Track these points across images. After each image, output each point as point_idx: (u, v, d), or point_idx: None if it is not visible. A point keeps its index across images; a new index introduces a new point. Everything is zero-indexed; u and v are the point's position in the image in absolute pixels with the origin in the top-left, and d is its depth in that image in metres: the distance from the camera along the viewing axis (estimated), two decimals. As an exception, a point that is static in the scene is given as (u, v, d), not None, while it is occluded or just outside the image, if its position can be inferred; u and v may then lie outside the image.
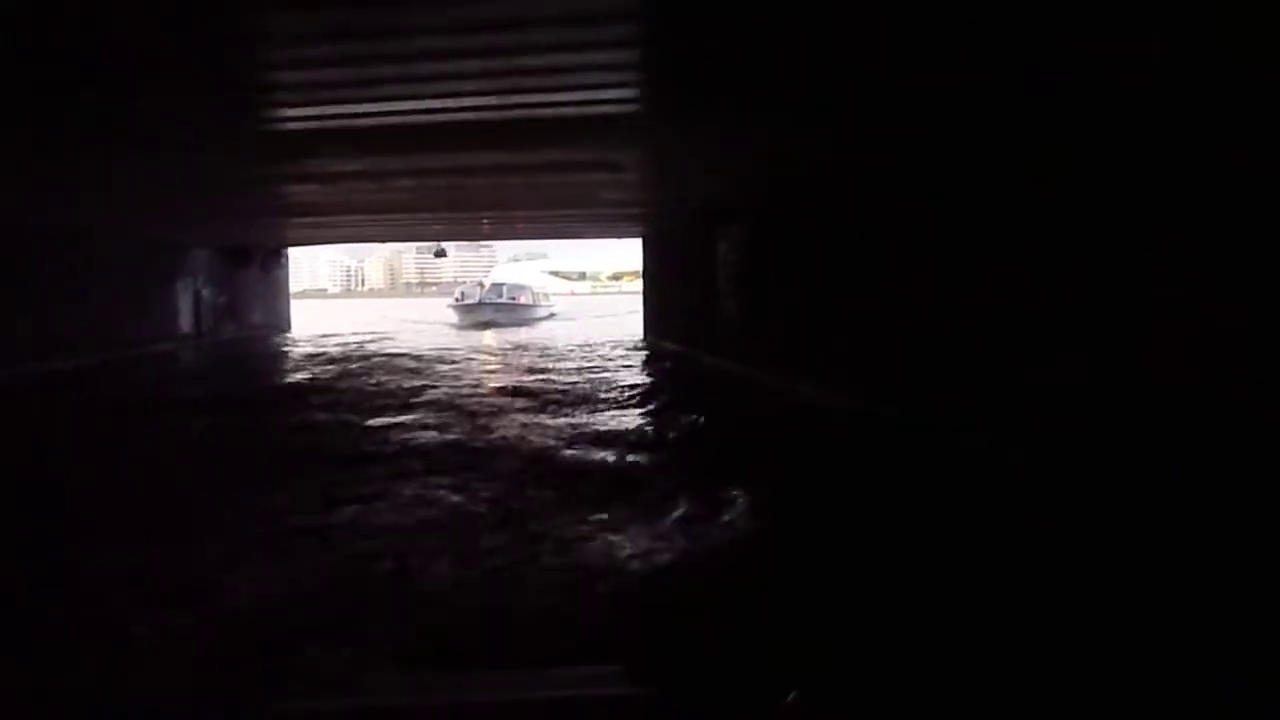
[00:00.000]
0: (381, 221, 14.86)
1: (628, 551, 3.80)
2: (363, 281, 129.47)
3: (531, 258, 62.06)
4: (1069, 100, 4.43)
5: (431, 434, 6.80)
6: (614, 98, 5.79)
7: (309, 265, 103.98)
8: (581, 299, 53.27)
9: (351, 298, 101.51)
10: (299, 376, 11.93)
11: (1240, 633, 2.62)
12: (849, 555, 3.69)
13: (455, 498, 4.78)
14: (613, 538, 3.99)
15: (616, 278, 66.05)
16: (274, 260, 20.66)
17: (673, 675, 2.29)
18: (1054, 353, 4.60)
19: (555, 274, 65.76)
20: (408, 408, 8.31)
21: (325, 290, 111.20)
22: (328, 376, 11.64)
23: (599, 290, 68.19)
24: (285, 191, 10.80)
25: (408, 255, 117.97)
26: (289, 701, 1.80)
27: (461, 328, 25.15)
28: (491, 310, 26.65)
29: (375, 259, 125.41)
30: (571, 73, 5.17)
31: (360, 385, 10.52)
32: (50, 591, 3.25)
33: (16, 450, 6.35)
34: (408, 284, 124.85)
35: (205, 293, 16.88)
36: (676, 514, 4.33)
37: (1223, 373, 3.49)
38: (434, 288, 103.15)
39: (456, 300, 28.93)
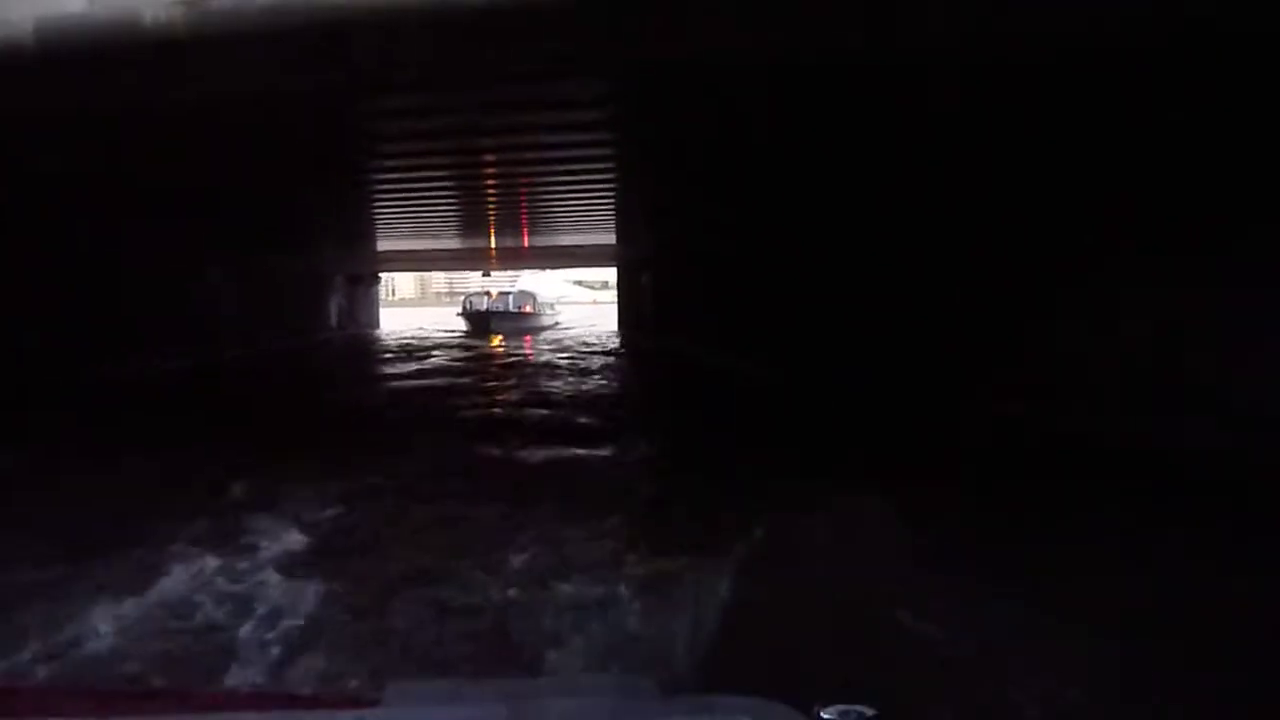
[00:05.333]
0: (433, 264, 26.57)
1: (565, 374, 14.94)
2: (394, 291, 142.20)
3: (556, 268, 71.27)
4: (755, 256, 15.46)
5: (502, 348, 18.06)
6: (602, 240, 17.03)
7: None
8: (602, 307, 63.68)
9: (384, 307, 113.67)
10: (437, 340, 23.70)
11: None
12: (639, 372, 14.76)
13: (519, 359, 15.95)
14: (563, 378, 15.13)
15: (637, 287, 74.78)
16: (373, 281, 32.19)
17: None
18: (741, 322, 15.63)
19: (579, 283, 71.22)
20: (512, 348, 19.67)
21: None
22: (445, 344, 23.13)
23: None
24: (378, 251, 22.17)
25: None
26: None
27: (469, 335, 28.24)
28: (497, 319, 29.16)
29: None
30: (580, 228, 16.33)
31: (476, 346, 21.98)
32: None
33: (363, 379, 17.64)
34: (437, 293, 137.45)
35: (341, 303, 28.28)
36: (582, 370, 15.42)
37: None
38: (463, 297, 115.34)
39: (464, 309, 31.50)
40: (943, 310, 8.35)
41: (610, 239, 18.98)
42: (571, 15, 3.83)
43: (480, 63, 4.68)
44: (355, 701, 1.46)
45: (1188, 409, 5.45)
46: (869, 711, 1.06)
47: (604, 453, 7.87)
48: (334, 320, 27.68)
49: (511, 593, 4.26)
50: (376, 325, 33.54)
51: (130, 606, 4.05)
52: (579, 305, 49.53)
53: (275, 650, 3.58)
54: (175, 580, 4.43)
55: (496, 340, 25.80)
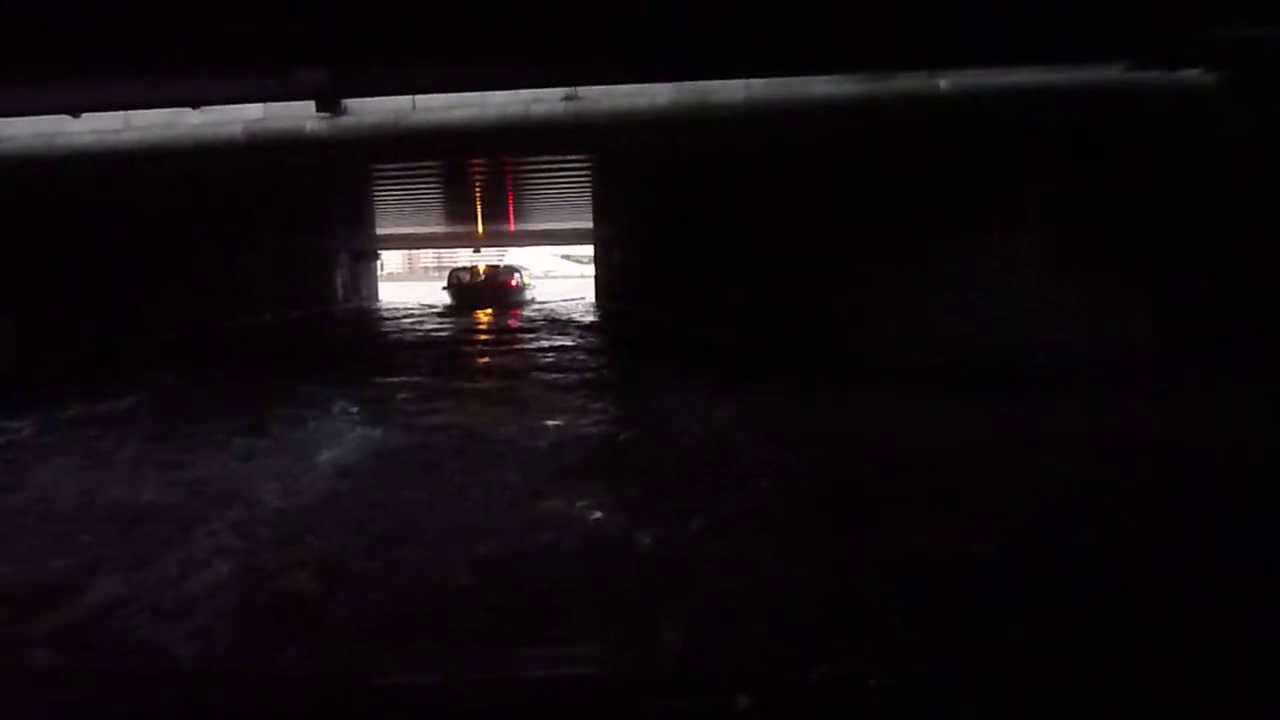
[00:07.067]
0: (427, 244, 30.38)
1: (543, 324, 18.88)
2: (382, 267, 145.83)
3: (540, 245, 73.87)
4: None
5: (490, 317, 21.95)
6: (581, 225, 20.83)
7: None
8: (588, 280, 66.89)
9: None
10: (438, 309, 27.56)
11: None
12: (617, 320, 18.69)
13: (511, 324, 19.85)
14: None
15: (623, 262, 78.00)
16: (372, 258, 35.92)
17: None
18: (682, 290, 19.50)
19: (567, 258, 72.91)
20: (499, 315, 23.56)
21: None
22: (445, 313, 26.93)
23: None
24: (378, 233, 25.98)
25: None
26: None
27: (456, 308, 28.71)
28: (482, 293, 29.31)
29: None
30: (562, 215, 20.14)
31: (469, 315, 25.80)
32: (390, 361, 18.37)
33: (353, 336, 21.46)
34: (425, 268, 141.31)
35: (345, 278, 32.00)
36: (555, 325, 19.35)
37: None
38: (449, 270, 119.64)
39: (450, 282, 31.36)
40: (784, 285, 12.83)
41: (588, 224, 22.87)
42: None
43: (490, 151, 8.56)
44: (350, 671, 1.56)
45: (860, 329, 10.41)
46: (865, 671, 1.19)
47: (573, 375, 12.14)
48: (340, 294, 31.44)
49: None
50: (376, 298, 37.30)
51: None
52: (567, 279, 52.47)
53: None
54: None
55: (484, 313, 29.31)
